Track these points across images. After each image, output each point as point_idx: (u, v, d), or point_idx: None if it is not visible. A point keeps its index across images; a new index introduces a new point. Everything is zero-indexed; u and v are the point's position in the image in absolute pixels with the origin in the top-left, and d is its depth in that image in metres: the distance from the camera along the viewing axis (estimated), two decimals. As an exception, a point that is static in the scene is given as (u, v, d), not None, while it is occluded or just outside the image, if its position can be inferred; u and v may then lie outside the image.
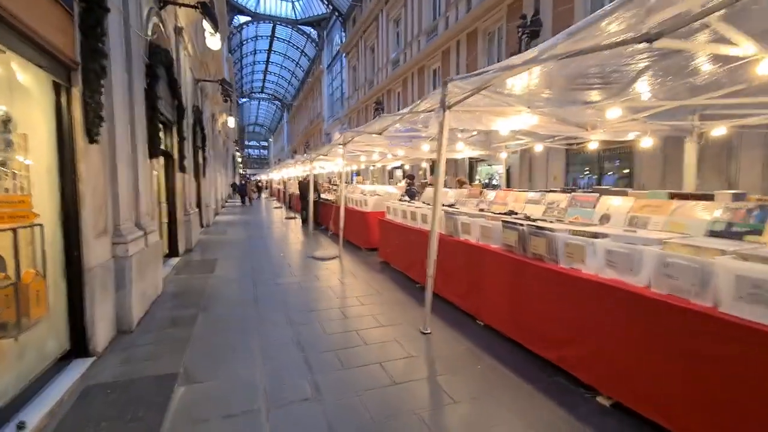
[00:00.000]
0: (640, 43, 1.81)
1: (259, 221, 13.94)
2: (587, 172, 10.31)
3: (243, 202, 23.35)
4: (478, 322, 3.84)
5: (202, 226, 11.05)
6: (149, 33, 5.11)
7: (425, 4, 17.53)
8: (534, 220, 3.51)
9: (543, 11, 10.68)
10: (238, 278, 5.71)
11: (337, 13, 30.58)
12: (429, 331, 3.61)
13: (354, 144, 7.07)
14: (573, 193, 3.93)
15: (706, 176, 7.29)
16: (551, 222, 3.50)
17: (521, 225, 3.39)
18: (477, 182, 12.21)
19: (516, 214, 4.05)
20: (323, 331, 3.66)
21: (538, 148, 7.34)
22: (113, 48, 3.53)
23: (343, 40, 30.40)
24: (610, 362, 2.47)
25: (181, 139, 7.02)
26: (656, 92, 3.43)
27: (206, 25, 7.32)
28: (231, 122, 19.50)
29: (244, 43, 39.42)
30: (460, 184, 8.02)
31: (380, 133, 5.38)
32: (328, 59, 36.20)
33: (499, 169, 15.02)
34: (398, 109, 21.53)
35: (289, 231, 11.03)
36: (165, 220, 6.69)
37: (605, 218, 3.36)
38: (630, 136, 4.56)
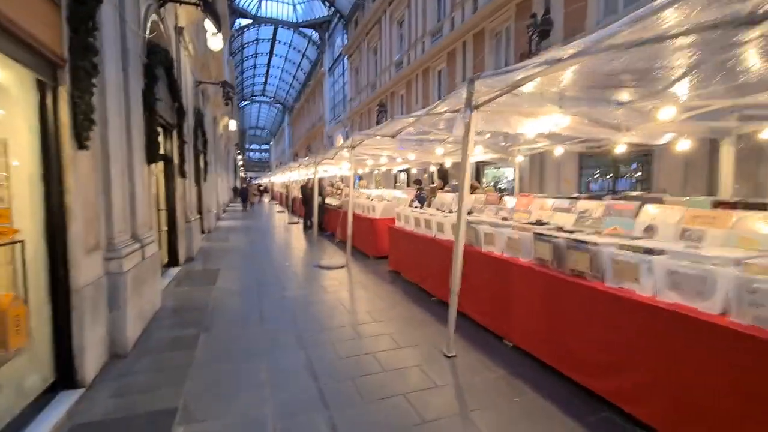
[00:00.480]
0: (741, 26, 1.48)
1: (261, 227, 13.63)
2: (597, 175, 9.99)
3: (244, 206, 22.61)
4: (506, 343, 3.50)
5: (203, 232, 10.74)
6: (148, 31, 4.81)
7: (430, 4, 17.28)
8: (571, 232, 3.18)
9: (554, 10, 10.38)
10: (242, 291, 5.38)
11: (338, 16, 30.38)
12: (453, 354, 3.27)
13: (362, 147, 6.76)
14: (608, 200, 3.60)
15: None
16: (588, 233, 3.17)
17: (556, 237, 3.06)
18: (488, 187, 11.89)
19: (546, 224, 3.72)
20: (337, 354, 3.32)
21: (558, 151, 6.99)
22: (107, 45, 3.22)
23: (345, 42, 30.19)
24: (675, 400, 2.13)
25: (182, 143, 6.72)
26: (699, 91, 3.11)
27: (208, 24, 7.03)
28: (232, 125, 19.23)
29: (246, 46, 39.26)
30: (473, 189, 7.70)
31: (393, 136, 5.06)
32: (329, 62, 35.99)
33: (507, 173, 14.73)
34: (402, 112, 21.26)
35: (292, 237, 10.71)
36: (165, 228, 6.37)
37: (650, 230, 3.03)
38: (665, 139, 4.24)
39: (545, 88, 3.14)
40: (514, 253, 3.57)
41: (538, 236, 3.24)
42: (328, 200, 12.01)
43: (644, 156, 8.55)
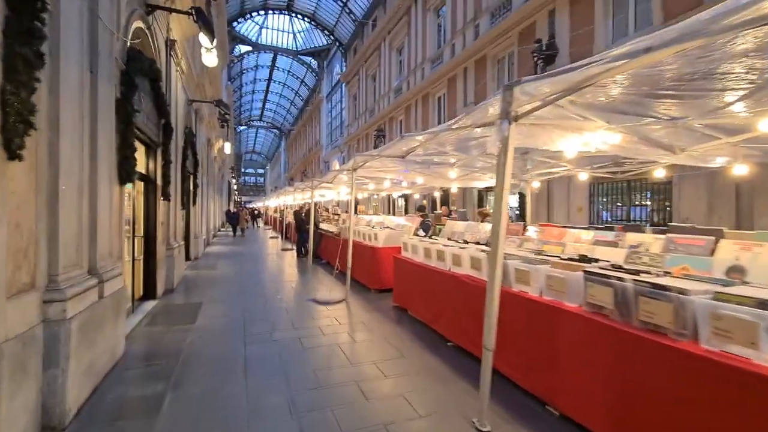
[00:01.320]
0: None
1: (253, 253, 12.86)
2: (606, 203, 9.50)
3: (234, 232, 20.70)
4: (551, 410, 2.80)
5: (189, 259, 9.98)
6: (130, 36, 4.29)
7: (430, 32, 17.35)
8: (636, 273, 2.55)
9: (559, 35, 10.22)
10: (225, 331, 4.63)
11: (338, 44, 30.77)
12: (488, 430, 2.56)
13: (364, 170, 6.20)
14: (668, 234, 3.00)
15: (760, 210, 6.47)
16: (656, 274, 2.55)
17: (619, 278, 2.43)
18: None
19: (595, 260, 3.09)
20: (339, 427, 2.59)
21: (582, 177, 6.49)
22: (66, 36, 2.65)
23: (344, 69, 30.46)
24: None
25: (167, 164, 6.11)
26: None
27: (202, 38, 6.58)
28: (227, 148, 18.78)
29: (245, 72, 39.61)
30: (483, 217, 7.12)
31: (403, 157, 4.49)
32: (327, 88, 36.29)
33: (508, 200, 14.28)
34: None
35: (285, 265, 9.96)
36: (140, 256, 5.66)
37: (738, 271, 2.42)
38: (717, 162, 3.71)
39: (594, 99, 2.61)
40: (556, 296, 2.92)
41: (593, 276, 2.61)
42: (324, 226, 11.36)
43: (660, 183, 8.09)
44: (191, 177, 9.98)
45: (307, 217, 10.96)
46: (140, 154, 5.52)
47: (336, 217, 12.83)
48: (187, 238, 9.98)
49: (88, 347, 2.83)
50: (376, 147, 20.58)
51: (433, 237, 5.86)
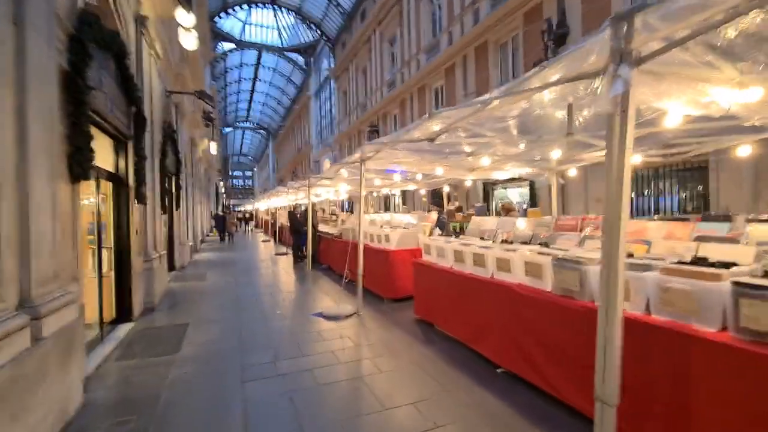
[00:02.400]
0: None
1: (245, 259, 11.88)
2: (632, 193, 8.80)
3: (222, 238, 18.60)
4: (683, 478, 1.98)
5: (174, 269, 9.00)
6: (81, -6, 3.37)
7: (424, 20, 16.51)
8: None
9: (570, 12, 9.48)
10: (216, 363, 3.73)
11: (325, 38, 29.76)
12: None
13: (374, 162, 5.34)
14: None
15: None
16: None
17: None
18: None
19: (730, 265, 2.26)
20: None
21: (636, 159, 5.74)
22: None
23: (332, 64, 29.48)
24: None
25: (140, 159, 5.16)
26: None
27: (180, 15, 5.68)
28: (213, 148, 17.70)
29: (229, 71, 38.31)
30: (506, 212, 6.33)
31: (432, 140, 3.64)
32: (315, 86, 35.26)
33: (509, 194, 13.54)
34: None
35: (281, 272, 9.04)
36: (111, 271, 4.72)
37: None
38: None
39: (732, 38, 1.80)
40: (678, 315, 2.11)
41: (748, 289, 1.80)
42: (322, 228, 10.45)
43: (694, 170, 7.41)
44: (174, 178, 8.99)
45: (303, 217, 10.07)
46: (105, 147, 4.58)
47: (333, 218, 11.93)
48: (170, 246, 9.00)
49: (11, 421, 1.92)
50: (370, 143, 19.72)
51: (455, 236, 5.03)
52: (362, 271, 5.26)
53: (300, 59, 36.49)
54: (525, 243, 3.81)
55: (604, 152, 1.94)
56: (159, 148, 6.89)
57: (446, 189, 8.77)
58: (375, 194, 17.94)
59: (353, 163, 5.46)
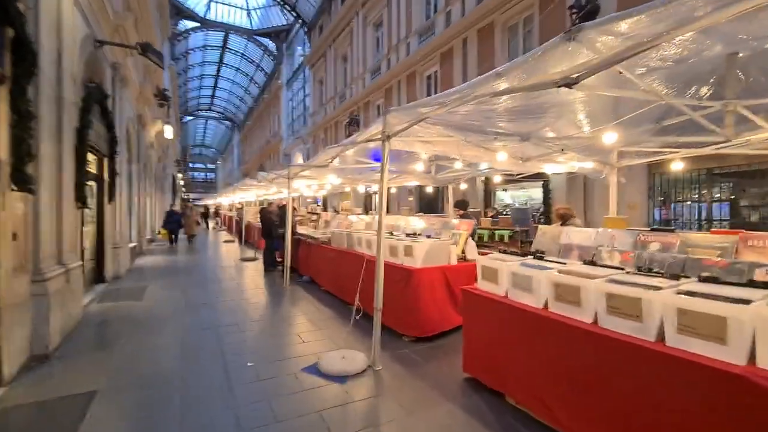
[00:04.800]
0: None
1: (202, 266, 9.69)
2: (662, 198, 7.61)
3: (171, 241, 13.85)
4: None
5: (103, 280, 6.81)
6: None
7: (415, 0, 14.87)
8: None
9: (603, -13, 8.16)
10: None
11: (301, 22, 27.49)
12: None
13: (398, 139, 3.61)
14: None
15: None
16: None
17: None
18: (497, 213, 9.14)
19: None
20: None
21: (677, 166, 4.44)
22: None
23: (307, 51, 27.27)
24: None
25: (22, 117, 3.13)
26: None
27: None
28: (168, 132, 15.14)
29: (191, 52, 34.99)
30: (563, 219, 4.77)
31: (571, 85, 1.95)
32: (288, 74, 32.81)
33: (503, 196, 12.22)
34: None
35: (251, 287, 7.05)
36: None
37: None
38: None
39: None
40: None
41: None
42: (301, 230, 8.54)
43: (751, 173, 6.24)
44: (106, 161, 6.79)
45: (280, 218, 8.13)
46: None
47: (314, 218, 10.03)
48: (99, 250, 6.79)
49: None
50: (349, 136, 17.85)
51: (502, 251, 3.38)
52: (380, 303, 3.48)
53: (271, 44, 33.86)
54: (679, 276, 2.20)
55: None
56: (77, 114, 4.78)
57: (463, 186, 7.16)
58: (370, 191, 16.15)
59: (371, 140, 3.67)
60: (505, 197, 12.32)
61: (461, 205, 6.14)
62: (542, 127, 3.78)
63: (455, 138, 3.85)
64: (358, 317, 3.45)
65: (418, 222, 6.12)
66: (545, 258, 3.01)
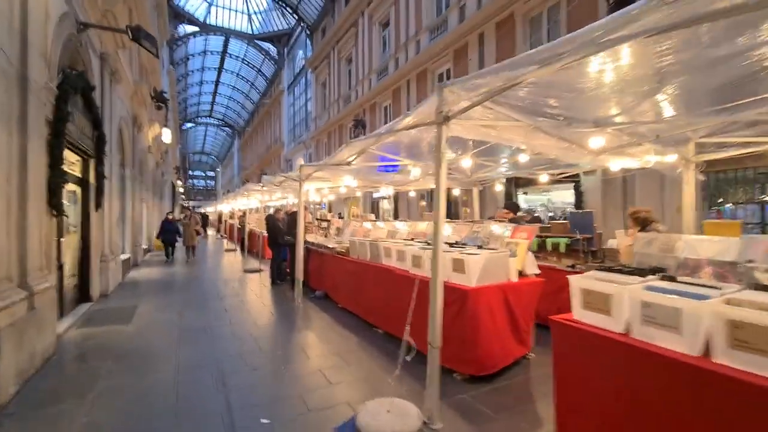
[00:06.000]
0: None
1: (201, 278, 8.82)
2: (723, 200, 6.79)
3: (167, 254, 11.94)
4: None
5: (89, 299, 5.94)
6: None
7: (426, -4, 14.16)
8: None
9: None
10: None
11: (303, 25, 26.89)
12: None
13: (457, 122, 2.78)
14: None
15: None
16: None
17: None
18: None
19: None
20: None
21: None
22: None
23: (309, 54, 26.62)
24: None
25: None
26: None
27: None
28: (167, 136, 14.37)
29: (191, 57, 34.40)
30: (641, 223, 3.92)
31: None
32: (289, 78, 32.18)
33: (521, 201, 11.38)
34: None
35: (257, 305, 6.18)
36: None
37: None
38: None
39: None
40: None
41: None
42: (309, 238, 7.70)
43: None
44: (92, 162, 5.97)
45: (287, 225, 7.29)
46: None
47: (324, 225, 9.19)
48: (84, 264, 5.93)
49: None
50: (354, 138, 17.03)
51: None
52: (439, 340, 2.62)
53: (272, 49, 33.27)
54: None
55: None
56: (51, 105, 3.96)
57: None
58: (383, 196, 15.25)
59: (427, 124, 2.83)
60: (520, 201, 11.48)
61: (513, 207, 5.26)
62: (635, 106, 2.96)
63: (522, 123, 3.03)
64: (409, 358, 2.59)
65: (446, 228, 5.27)
66: (677, 279, 2.17)
